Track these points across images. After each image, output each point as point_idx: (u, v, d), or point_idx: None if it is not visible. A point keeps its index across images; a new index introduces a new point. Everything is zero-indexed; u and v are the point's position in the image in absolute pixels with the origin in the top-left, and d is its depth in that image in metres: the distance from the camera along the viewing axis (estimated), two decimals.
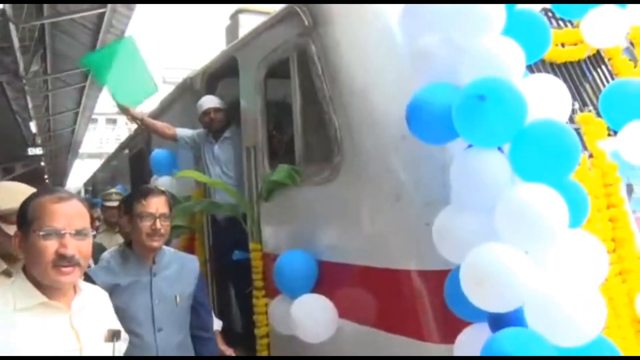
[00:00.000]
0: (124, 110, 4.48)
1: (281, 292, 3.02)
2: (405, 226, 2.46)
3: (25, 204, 1.52)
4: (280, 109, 3.74)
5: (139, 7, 10.21)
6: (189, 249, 4.67)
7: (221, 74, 4.28)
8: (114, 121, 37.51)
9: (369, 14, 2.77)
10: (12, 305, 1.44)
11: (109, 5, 9.25)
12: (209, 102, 4.17)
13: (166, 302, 2.35)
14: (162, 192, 2.46)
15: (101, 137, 35.75)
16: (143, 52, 4.49)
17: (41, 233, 1.44)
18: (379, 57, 2.68)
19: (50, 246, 1.44)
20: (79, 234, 1.50)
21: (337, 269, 2.83)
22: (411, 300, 2.44)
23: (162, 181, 4.98)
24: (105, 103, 18.48)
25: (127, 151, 8.34)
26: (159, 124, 4.49)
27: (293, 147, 3.60)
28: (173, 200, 4.23)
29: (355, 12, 2.81)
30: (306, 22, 2.92)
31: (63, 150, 23.16)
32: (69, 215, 1.49)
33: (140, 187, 2.58)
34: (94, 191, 13.51)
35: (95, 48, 11.42)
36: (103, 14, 9.77)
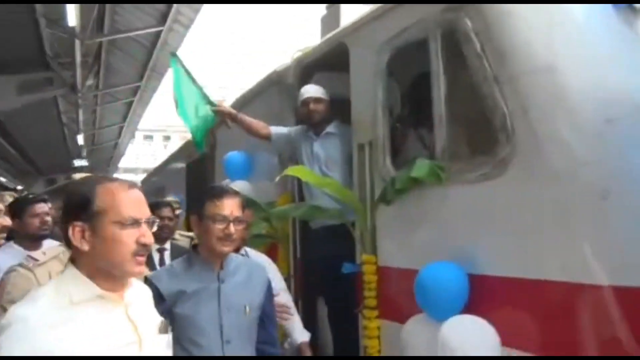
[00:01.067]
0: (216, 110, 3.88)
1: (423, 312, 2.42)
2: (618, 230, 1.87)
3: (87, 192, 1.37)
4: (405, 99, 3.19)
5: (194, 27, 9.94)
6: None
7: (320, 65, 3.73)
8: (150, 137, 37.71)
9: None
10: (67, 298, 1.32)
11: (166, 24, 9.18)
12: (310, 90, 3.56)
13: (235, 312, 2.07)
14: (237, 194, 2.17)
15: (138, 153, 35.71)
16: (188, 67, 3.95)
17: (128, 222, 1.35)
18: (564, 31, 2.14)
19: (132, 235, 1.36)
20: (149, 222, 1.42)
21: (497, 285, 2.25)
22: (617, 325, 1.83)
23: (237, 185, 4.46)
24: (143, 119, 18.29)
25: (183, 159, 7.68)
26: (254, 122, 3.77)
27: (419, 143, 3.06)
28: (254, 207, 3.71)
29: None
30: None
31: (103, 164, 23.11)
32: (141, 203, 1.42)
33: (213, 187, 2.26)
34: None
35: (148, 64, 11.32)
36: (160, 32, 9.66)
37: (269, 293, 2.24)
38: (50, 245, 2.81)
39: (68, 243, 1.37)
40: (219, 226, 2.02)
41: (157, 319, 1.54)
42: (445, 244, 2.47)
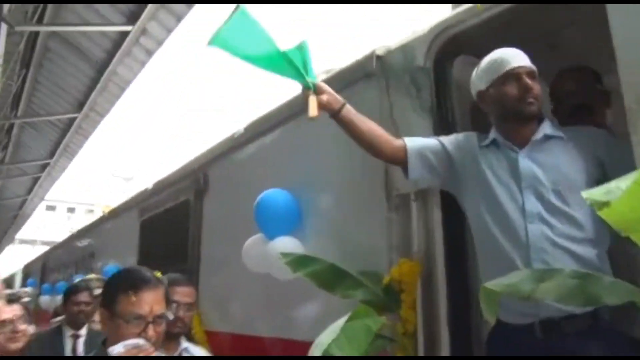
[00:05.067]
0: (309, 91, 1.65)
1: None
2: None
3: None
4: None
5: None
6: None
7: (478, 38, 1.89)
8: (53, 208, 33.63)
9: None
10: None
11: (82, 111, 8.93)
12: (518, 57, 1.64)
13: None
14: (160, 282, 1.49)
15: (38, 224, 31.44)
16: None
17: None
18: None
19: None
20: None
21: None
22: None
23: (283, 244, 2.40)
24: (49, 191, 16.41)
25: (136, 210, 4.81)
26: (376, 128, 1.73)
27: None
28: (344, 282, 1.85)
29: None
30: None
31: None
32: None
33: (129, 272, 1.50)
34: (43, 278, 10.13)
35: (60, 143, 10.35)
36: (75, 117, 9.32)
37: None
38: None
39: None
40: (134, 329, 1.38)
41: None
42: None
